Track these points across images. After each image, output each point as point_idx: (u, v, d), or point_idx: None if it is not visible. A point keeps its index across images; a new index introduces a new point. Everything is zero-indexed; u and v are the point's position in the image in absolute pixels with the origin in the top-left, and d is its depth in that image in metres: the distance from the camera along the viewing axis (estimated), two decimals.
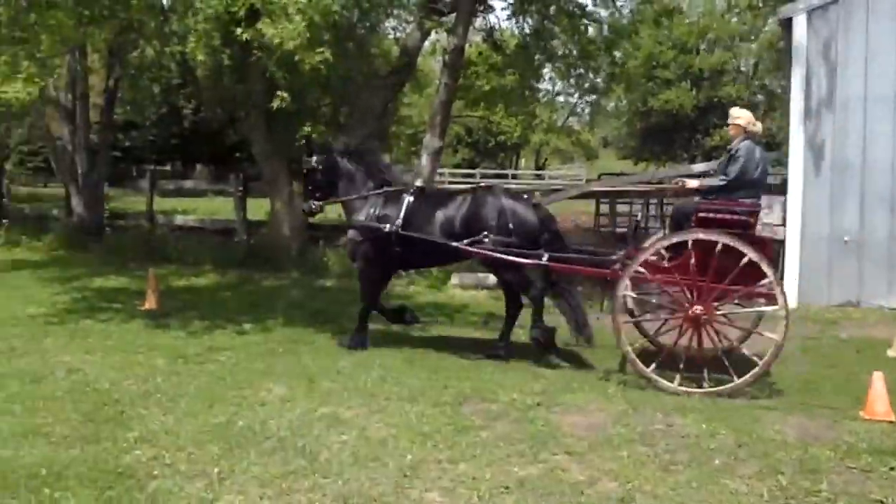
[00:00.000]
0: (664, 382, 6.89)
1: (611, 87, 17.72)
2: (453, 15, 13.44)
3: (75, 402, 6.11)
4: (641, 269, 7.14)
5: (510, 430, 5.59)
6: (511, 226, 7.79)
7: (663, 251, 7.24)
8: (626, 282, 7.17)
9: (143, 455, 5.09)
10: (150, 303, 9.99)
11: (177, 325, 9.05)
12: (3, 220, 17.10)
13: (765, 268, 6.74)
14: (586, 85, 17.29)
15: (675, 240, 7.19)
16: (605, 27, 14.69)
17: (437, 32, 13.29)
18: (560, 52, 14.98)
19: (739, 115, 7.45)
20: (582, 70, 15.32)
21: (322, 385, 6.65)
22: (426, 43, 14.72)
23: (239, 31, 9.69)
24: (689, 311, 7.07)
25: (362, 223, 8.25)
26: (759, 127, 7.46)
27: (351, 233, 8.57)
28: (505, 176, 48.96)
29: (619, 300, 7.27)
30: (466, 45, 14.21)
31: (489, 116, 32.75)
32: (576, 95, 40.85)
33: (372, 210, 8.22)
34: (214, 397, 6.29)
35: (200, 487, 4.64)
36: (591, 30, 14.53)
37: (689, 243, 6.91)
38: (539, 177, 48.24)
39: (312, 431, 5.54)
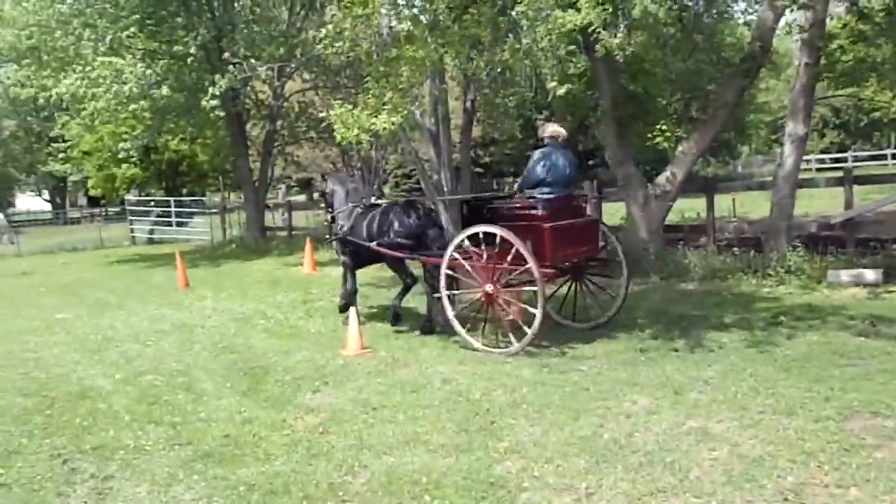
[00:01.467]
0: (475, 343, 8.65)
1: None
2: None
3: (450, 412, 6.45)
4: (456, 256, 8.71)
5: None
6: (398, 228, 9.88)
7: (467, 242, 8.71)
8: (443, 266, 8.85)
9: (513, 466, 5.22)
10: (514, 314, 10.27)
11: (540, 334, 9.21)
12: None
13: (522, 251, 8.05)
14: None
15: (465, 234, 8.73)
16: None
17: (791, 11, 12.21)
18: None
19: (543, 127, 9.20)
20: None
21: (688, 396, 6.37)
22: (781, 22, 13.60)
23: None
24: (484, 289, 8.68)
25: (334, 231, 10.89)
26: (558, 133, 9.02)
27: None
28: (882, 157, 44.35)
29: (442, 280, 8.93)
30: (827, 19, 12.98)
31: (859, 94, 29.66)
32: None
33: (342, 222, 10.66)
34: (579, 408, 6.30)
35: (568, 502, 4.64)
36: None
37: (497, 236, 8.36)
38: None
39: (680, 446, 5.32)
